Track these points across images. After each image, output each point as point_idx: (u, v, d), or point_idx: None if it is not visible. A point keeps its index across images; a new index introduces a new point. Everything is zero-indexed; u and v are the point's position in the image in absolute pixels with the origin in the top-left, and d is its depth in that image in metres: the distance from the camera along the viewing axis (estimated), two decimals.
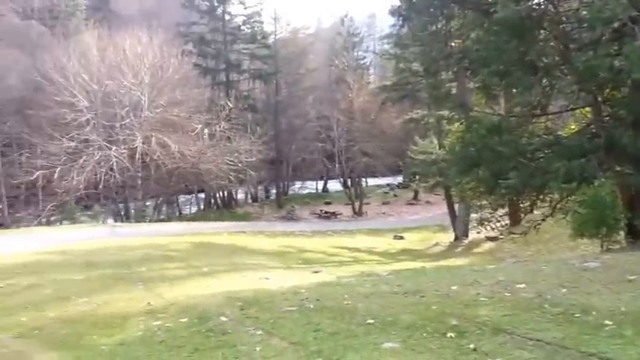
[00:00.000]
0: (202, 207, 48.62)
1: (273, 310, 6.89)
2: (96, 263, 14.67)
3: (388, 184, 59.88)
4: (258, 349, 5.35)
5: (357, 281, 9.77)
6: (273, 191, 54.31)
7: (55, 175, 32.95)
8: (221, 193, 48.06)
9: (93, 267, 13.97)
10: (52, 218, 37.09)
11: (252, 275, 12.20)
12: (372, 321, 5.75)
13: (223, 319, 6.80)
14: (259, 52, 50.90)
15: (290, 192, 56.96)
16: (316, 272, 13.58)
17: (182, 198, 47.42)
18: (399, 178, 59.51)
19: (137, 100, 37.16)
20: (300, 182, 59.44)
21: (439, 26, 15.58)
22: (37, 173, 33.42)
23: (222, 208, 47.50)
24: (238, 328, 6.31)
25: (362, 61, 58.09)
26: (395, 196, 54.96)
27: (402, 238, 29.18)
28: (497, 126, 7.98)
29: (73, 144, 34.44)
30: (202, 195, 48.63)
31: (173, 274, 12.66)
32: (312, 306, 6.91)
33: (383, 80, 47.33)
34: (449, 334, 4.96)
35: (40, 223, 34.95)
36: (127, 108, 36.89)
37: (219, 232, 26.39)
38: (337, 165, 49.75)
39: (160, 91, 37.71)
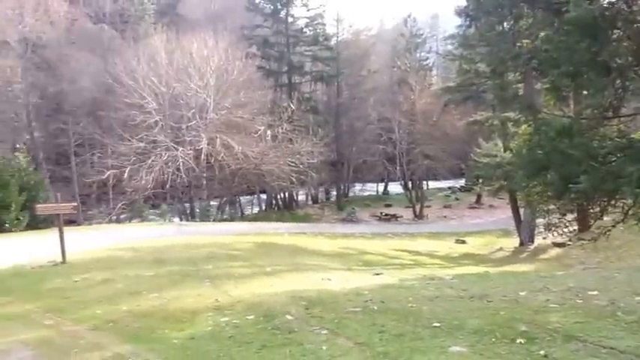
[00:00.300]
0: (264, 208, 49.35)
1: (337, 310, 6.96)
2: (164, 260, 15.14)
3: (450, 187, 59.11)
4: (324, 347, 5.43)
5: (421, 284, 9.73)
6: (334, 193, 54.58)
7: (125, 175, 34.04)
8: (282, 194, 48.59)
9: (162, 264, 14.43)
10: (122, 216, 38.54)
11: (313, 276, 12.29)
12: (437, 324, 5.74)
13: (289, 317, 6.92)
14: (321, 54, 51.18)
15: (350, 194, 57.08)
16: (377, 274, 13.52)
17: (244, 199, 48.12)
18: (461, 181, 58.68)
19: (203, 102, 38.05)
20: (361, 184, 59.51)
21: (507, 26, 15.27)
22: (108, 173, 34.62)
23: (283, 209, 48.04)
24: (304, 326, 6.42)
25: (424, 63, 57.59)
26: (457, 199, 54.16)
27: (464, 242, 28.64)
28: (567, 128, 7.71)
29: (142, 145, 35.48)
30: (264, 196, 49.38)
31: (238, 272, 12.91)
32: (375, 307, 6.95)
33: (446, 81, 46.62)
34: (518, 340, 4.90)
35: (110, 221, 36.39)
36: (193, 110, 37.75)
37: (280, 232, 26.69)
38: (398, 167, 49.50)
39: (224, 93, 38.50)
